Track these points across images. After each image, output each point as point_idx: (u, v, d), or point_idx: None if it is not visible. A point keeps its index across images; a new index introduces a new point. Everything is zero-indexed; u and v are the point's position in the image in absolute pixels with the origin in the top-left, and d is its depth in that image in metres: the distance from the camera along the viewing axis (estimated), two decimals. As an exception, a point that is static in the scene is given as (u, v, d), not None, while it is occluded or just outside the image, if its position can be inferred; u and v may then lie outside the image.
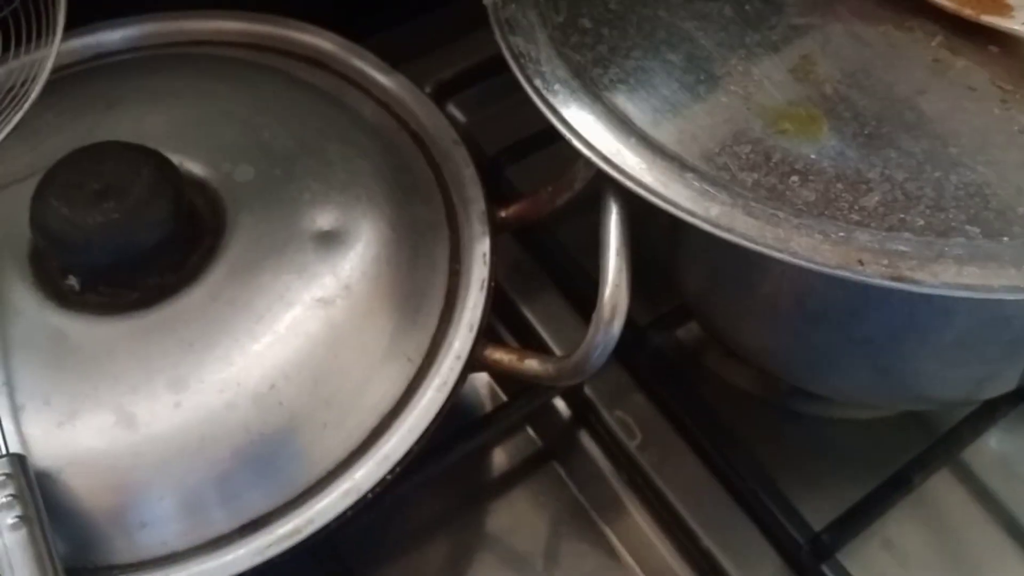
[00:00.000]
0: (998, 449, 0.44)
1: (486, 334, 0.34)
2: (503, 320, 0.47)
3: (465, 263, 0.36)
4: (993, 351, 0.38)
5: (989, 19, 0.35)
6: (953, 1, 0.36)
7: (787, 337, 0.38)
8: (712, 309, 0.40)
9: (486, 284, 0.35)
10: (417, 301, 0.35)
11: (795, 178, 0.31)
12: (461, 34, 0.54)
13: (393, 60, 0.43)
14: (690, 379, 0.46)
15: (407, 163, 0.39)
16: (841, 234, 0.29)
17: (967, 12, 0.35)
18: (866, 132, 0.32)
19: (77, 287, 0.32)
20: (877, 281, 0.28)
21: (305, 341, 0.31)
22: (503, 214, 0.37)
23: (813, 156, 0.32)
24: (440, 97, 0.47)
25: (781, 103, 0.33)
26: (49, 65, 0.36)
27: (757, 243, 0.28)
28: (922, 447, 0.42)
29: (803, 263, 0.28)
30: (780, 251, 0.28)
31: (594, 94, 0.33)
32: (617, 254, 0.30)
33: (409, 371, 0.33)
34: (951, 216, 0.30)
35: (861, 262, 0.28)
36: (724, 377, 0.47)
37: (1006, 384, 0.41)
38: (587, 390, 0.45)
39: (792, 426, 0.46)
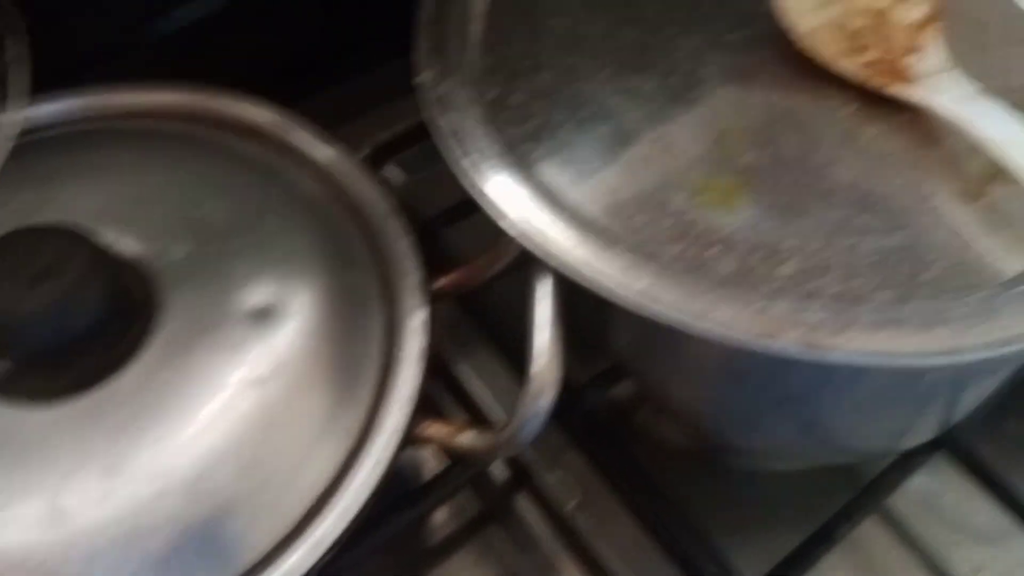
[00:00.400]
0: (920, 494, 0.46)
1: (422, 407, 0.34)
2: (441, 385, 0.47)
3: (400, 335, 0.36)
4: (909, 405, 0.39)
5: (894, 89, 0.37)
6: (861, 73, 0.38)
7: (714, 397, 0.40)
8: (642, 370, 0.41)
9: (421, 357, 0.35)
10: (353, 375, 0.35)
11: (715, 249, 0.32)
12: (400, 93, 0.55)
13: (332, 121, 0.44)
14: (623, 438, 0.47)
15: (342, 235, 0.39)
16: (758, 304, 0.30)
17: (874, 83, 0.37)
18: (782, 202, 0.34)
19: (8, 372, 0.32)
20: (792, 351, 0.29)
21: (238, 424, 0.31)
22: (439, 284, 0.38)
23: (732, 227, 0.33)
24: (378, 159, 0.47)
25: (702, 175, 0.34)
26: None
27: (678, 317, 0.29)
28: (849, 496, 0.44)
29: (722, 336, 0.29)
30: (700, 324, 0.29)
31: (525, 170, 0.34)
32: (545, 330, 0.31)
33: (344, 449, 0.33)
34: (863, 282, 0.31)
35: (776, 332, 0.29)
36: (656, 435, 0.48)
37: (925, 434, 0.43)
38: (525, 453, 0.45)
39: (725, 481, 0.47)
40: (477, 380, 0.46)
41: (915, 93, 0.37)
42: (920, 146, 0.36)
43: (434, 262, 0.38)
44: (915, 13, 0.39)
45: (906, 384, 0.37)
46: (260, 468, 0.31)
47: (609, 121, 0.36)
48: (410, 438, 0.34)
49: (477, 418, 0.45)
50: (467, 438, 0.33)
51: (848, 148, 0.36)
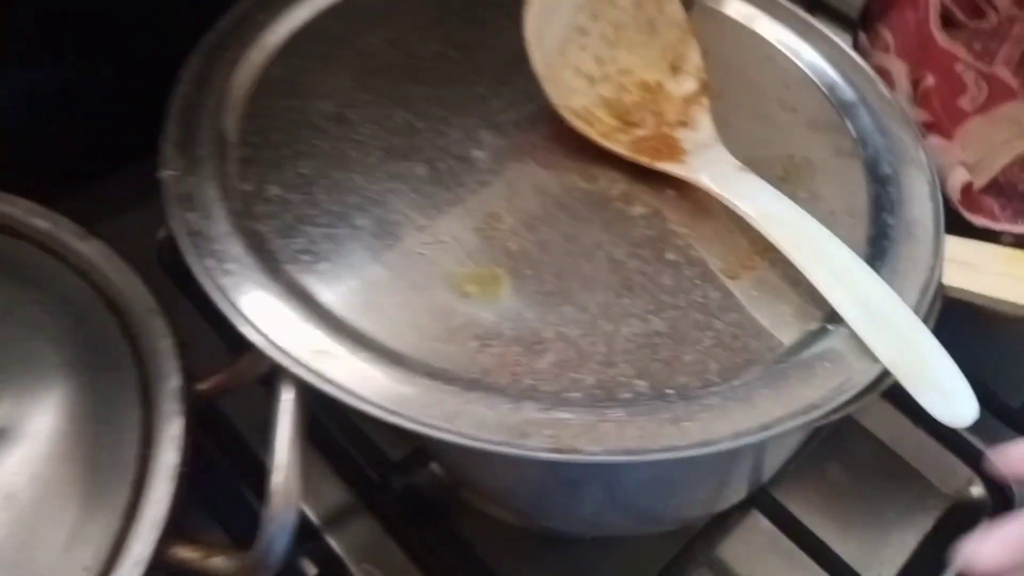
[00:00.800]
0: (740, 553, 0.46)
1: (177, 525, 0.32)
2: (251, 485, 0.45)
3: (155, 448, 0.33)
4: (710, 477, 0.39)
5: (662, 166, 0.37)
6: (630, 150, 0.38)
7: (508, 483, 0.38)
8: (441, 456, 0.40)
9: (175, 472, 0.32)
10: (99, 498, 0.32)
11: (474, 344, 0.31)
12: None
13: (94, 218, 0.41)
14: (445, 515, 0.46)
15: (99, 337, 0.36)
16: (508, 406, 0.29)
17: (643, 160, 0.37)
18: (545, 289, 0.33)
19: None
20: (541, 455, 0.28)
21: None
22: (203, 387, 0.35)
23: (493, 318, 0.32)
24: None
25: (466, 266, 0.33)
26: None
27: (422, 424, 0.28)
28: (671, 556, 0.43)
29: (467, 442, 0.28)
30: (447, 432, 0.28)
31: (273, 270, 0.32)
32: (287, 446, 0.29)
33: (90, 576, 0.30)
34: (620, 371, 0.31)
35: (525, 435, 0.28)
36: (481, 508, 0.47)
37: (737, 496, 0.43)
38: (334, 545, 0.43)
39: (550, 551, 0.46)
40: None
41: (683, 169, 0.37)
42: (688, 223, 0.36)
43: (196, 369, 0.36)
44: (688, 86, 0.40)
45: (705, 462, 0.36)
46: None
47: (371, 211, 0.35)
48: (159, 565, 0.31)
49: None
50: (219, 562, 0.31)
51: (615, 230, 0.35)
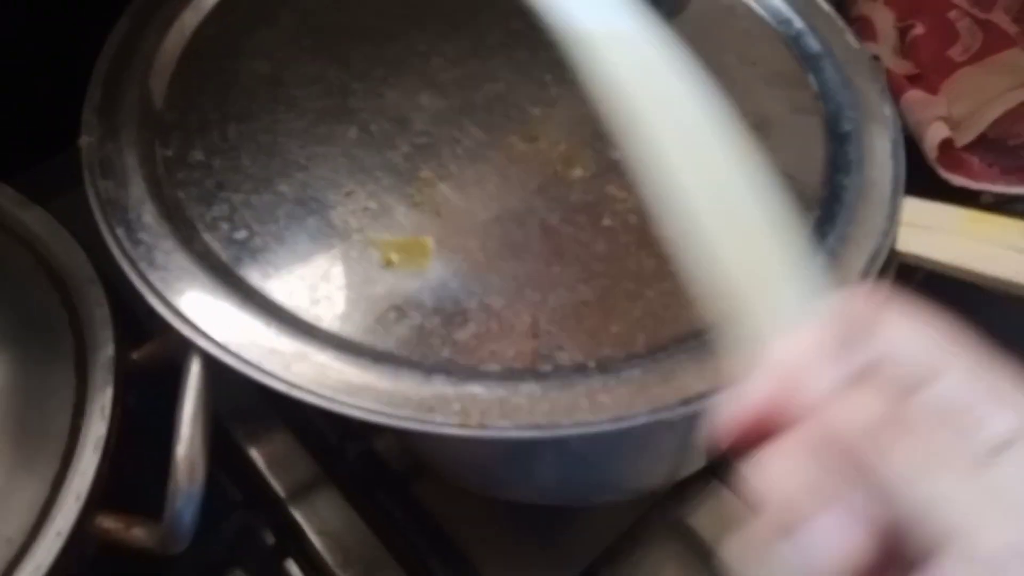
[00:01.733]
0: (701, 523, 0.45)
1: (104, 500, 0.32)
2: (226, 469, 0.45)
3: (86, 419, 0.33)
4: (664, 449, 0.38)
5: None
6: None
7: (457, 456, 0.38)
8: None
9: (102, 443, 0.32)
10: (27, 469, 0.32)
11: (392, 315, 0.30)
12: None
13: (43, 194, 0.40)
14: (407, 482, 0.45)
15: (38, 307, 0.36)
16: (418, 379, 0.28)
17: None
18: (472, 258, 0.32)
19: None
20: (446, 431, 0.27)
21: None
22: (135, 356, 0.35)
23: (415, 288, 0.31)
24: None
25: (391, 233, 0.32)
26: None
27: (324, 398, 0.27)
28: (633, 520, 0.43)
29: (370, 417, 0.27)
30: (348, 406, 0.27)
31: (188, 238, 0.31)
32: (192, 418, 0.28)
33: (7, 555, 0.30)
34: (543, 343, 0.30)
35: (432, 409, 0.27)
36: (442, 476, 0.46)
37: (695, 464, 0.42)
38: (295, 514, 0.43)
39: (509, 518, 0.45)
40: (266, 463, 0.44)
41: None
42: (630, 186, 0.34)
43: (133, 337, 0.35)
44: None
45: (638, 435, 0.35)
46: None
47: (296, 176, 0.33)
48: (83, 536, 0.31)
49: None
50: (140, 533, 0.31)
51: (551, 194, 0.34)
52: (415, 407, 0.27)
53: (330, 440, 0.44)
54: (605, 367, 0.29)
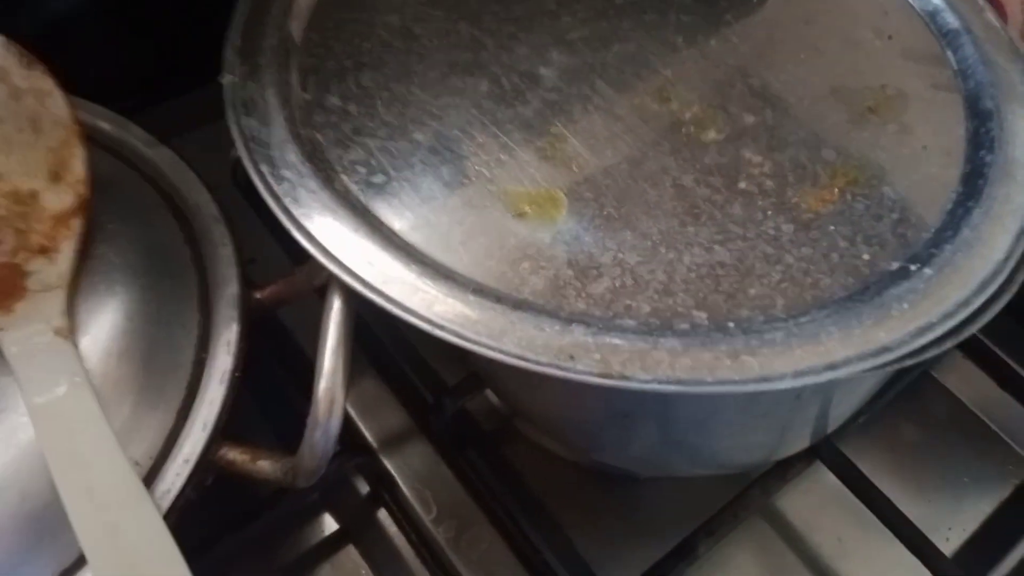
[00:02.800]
0: (801, 504, 0.44)
1: (227, 431, 0.32)
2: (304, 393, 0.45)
3: (211, 352, 0.34)
4: (773, 421, 0.37)
5: None
6: None
7: (564, 414, 0.38)
8: (495, 380, 0.39)
9: (228, 376, 0.33)
10: (154, 397, 0.32)
11: (526, 265, 0.30)
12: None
13: (185, 128, 0.41)
14: (498, 443, 0.45)
15: (163, 242, 0.37)
16: (557, 327, 0.28)
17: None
18: (605, 213, 0.32)
19: None
20: (587, 378, 0.27)
21: (18, 453, 0.29)
22: (259, 295, 0.36)
23: (548, 240, 0.31)
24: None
25: (523, 184, 0.32)
26: None
27: (468, 340, 0.27)
28: (725, 502, 0.42)
29: (512, 360, 0.27)
30: (491, 348, 0.27)
31: (329, 179, 0.31)
32: (334, 352, 0.28)
33: (139, 472, 0.31)
34: (678, 301, 0.29)
35: (572, 357, 0.27)
36: (533, 439, 0.46)
37: (799, 444, 0.41)
38: (388, 464, 0.43)
39: (600, 487, 0.45)
40: (355, 408, 0.44)
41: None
42: (766, 152, 0.34)
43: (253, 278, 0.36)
44: (65, 200, 0.33)
45: (764, 402, 0.35)
46: (38, 501, 0.29)
47: (430, 126, 0.34)
48: (208, 465, 0.31)
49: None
50: (266, 465, 0.31)
51: (684, 155, 0.33)
52: (556, 354, 0.27)
53: (425, 396, 0.45)
54: (745, 328, 0.28)
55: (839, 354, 0.28)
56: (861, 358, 0.27)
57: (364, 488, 0.44)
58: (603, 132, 0.34)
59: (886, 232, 0.31)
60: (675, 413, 0.34)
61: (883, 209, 0.32)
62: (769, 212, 0.32)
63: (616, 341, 0.28)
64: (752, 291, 0.30)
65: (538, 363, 0.27)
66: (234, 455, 0.32)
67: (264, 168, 0.31)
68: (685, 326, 0.29)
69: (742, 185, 0.33)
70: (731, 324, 0.29)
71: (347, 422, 0.45)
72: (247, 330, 0.34)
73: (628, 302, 0.29)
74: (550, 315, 0.28)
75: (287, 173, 0.31)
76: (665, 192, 0.32)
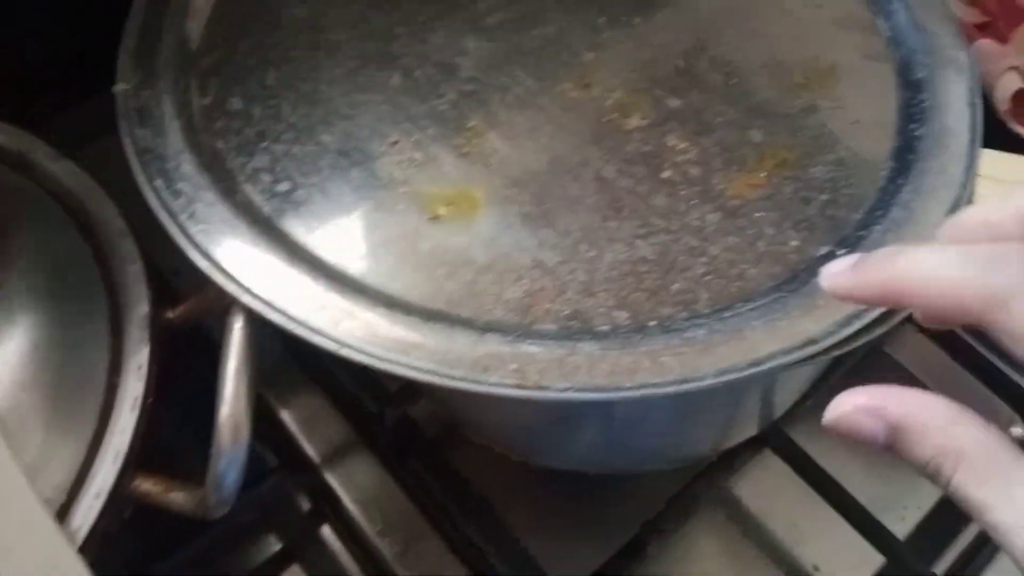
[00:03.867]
0: (753, 491, 0.43)
1: (141, 462, 0.31)
2: (259, 432, 0.44)
3: (123, 377, 0.32)
4: (718, 414, 0.37)
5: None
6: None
7: (499, 420, 0.36)
8: (429, 391, 0.38)
9: (139, 403, 0.31)
10: (65, 427, 0.31)
11: (441, 271, 0.29)
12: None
13: (75, 142, 0.39)
14: (443, 449, 0.44)
15: (70, 261, 0.35)
16: (472, 338, 0.27)
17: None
18: (524, 211, 0.30)
19: None
20: (502, 391, 0.25)
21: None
22: (171, 315, 0.34)
23: (465, 244, 0.29)
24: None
25: (438, 185, 0.31)
26: None
27: (375, 357, 0.26)
28: (676, 490, 0.41)
29: (423, 377, 0.26)
30: (399, 365, 0.26)
31: (229, 190, 0.30)
32: (235, 377, 0.27)
33: (52, 507, 0.29)
34: (599, 301, 0.28)
35: (486, 369, 0.26)
36: (479, 442, 0.45)
37: (746, 432, 0.40)
38: (330, 479, 0.42)
39: (550, 487, 0.44)
40: (299, 426, 0.43)
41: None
42: (692, 137, 0.32)
43: (166, 297, 0.34)
44: None
45: (698, 399, 0.34)
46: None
47: (338, 126, 0.32)
48: (121, 498, 0.30)
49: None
50: (179, 497, 0.30)
51: (607, 145, 0.32)
52: (469, 367, 0.26)
53: (367, 406, 0.43)
54: (667, 327, 0.27)
55: (763, 349, 0.26)
56: (786, 352, 0.26)
57: (306, 505, 0.43)
58: (522, 124, 0.32)
59: (815, 215, 0.30)
60: (612, 415, 0.33)
61: (812, 191, 0.31)
62: (694, 202, 0.30)
63: (533, 349, 0.26)
64: (675, 287, 0.29)
65: (450, 378, 0.26)
66: (147, 486, 0.30)
67: (158, 182, 0.29)
68: (606, 327, 0.27)
69: (666, 174, 0.31)
70: (652, 323, 0.27)
71: (288, 439, 0.44)
72: (158, 353, 0.33)
73: (547, 305, 0.28)
74: (465, 325, 0.27)
75: (183, 186, 0.29)
76: (587, 186, 0.31)
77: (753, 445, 0.41)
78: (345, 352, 0.26)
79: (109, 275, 0.35)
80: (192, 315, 0.34)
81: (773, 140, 0.32)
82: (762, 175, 0.31)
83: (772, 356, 0.26)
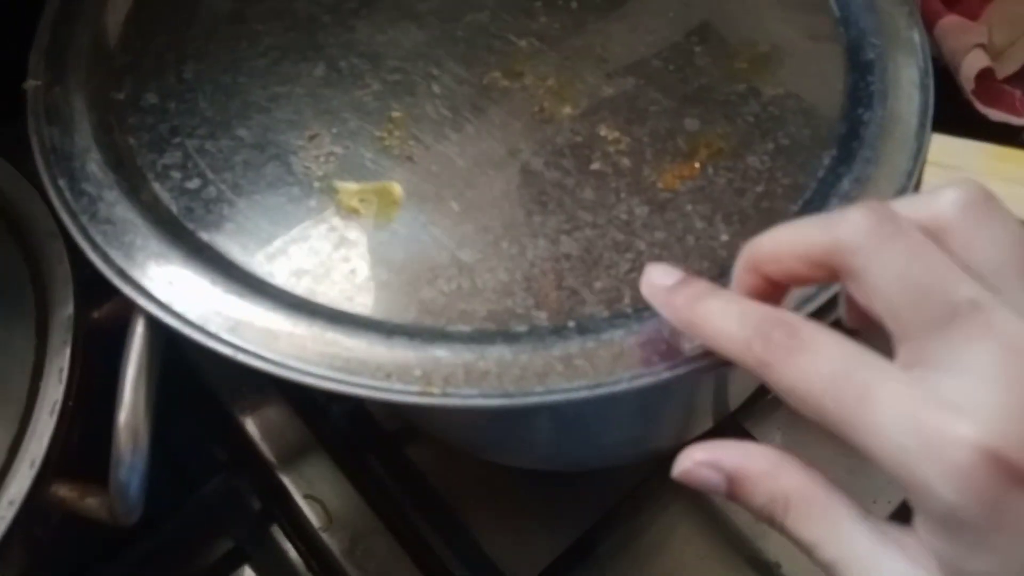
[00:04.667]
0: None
1: (62, 468, 0.30)
2: (209, 430, 0.43)
3: (44, 381, 0.31)
4: (670, 411, 0.35)
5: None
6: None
7: (451, 421, 0.35)
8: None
9: (58, 407, 0.30)
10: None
11: (353, 270, 0.27)
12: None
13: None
14: (400, 444, 0.43)
15: (-1, 263, 0.34)
16: (378, 342, 0.25)
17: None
18: (446, 206, 0.29)
19: None
20: (405, 398, 0.24)
21: None
22: (97, 315, 0.33)
23: (380, 242, 0.28)
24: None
25: (356, 179, 0.30)
26: None
27: (271, 363, 0.25)
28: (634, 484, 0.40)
29: (321, 384, 0.24)
30: (296, 372, 0.25)
31: (134, 188, 0.29)
32: (134, 383, 0.26)
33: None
34: (518, 301, 0.27)
35: (389, 376, 0.25)
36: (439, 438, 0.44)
37: (702, 426, 0.39)
38: (282, 477, 0.41)
39: (509, 482, 0.43)
40: (259, 431, 0.42)
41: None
42: (624, 127, 0.31)
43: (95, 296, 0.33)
44: None
45: (641, 399, 0.32)
46: None
47: (255, 120, 0.31)
48: (37, 505, 0.29)
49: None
50: (93, 503, 0.29)
51: (535, 136, 0.31)
52: (371, 373, 0.25)
53: (318, 400, 0.42)
54: (585, 328, 0.26)
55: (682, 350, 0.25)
56: (704, 353, 0.25)
57: (256, 504, 0.42)
58: (448, 115, 0.31)
59: (749, 208, 0.29)
60: (557, 415, 0.32)
61: (747, 182, 0.29)
62: (623, 194, 0.29)
63: (440, 353, 0.25)
64: (598, 284, 0.27)
65: (350, 384, 0.25)
66: (64, 492, 0.30)
67: (62, 182, 0.28)
68: (522, 329, 0.26)
69: (596, 166, 0.30)
70: (571, 324, 0.26)
71: (238, 437, 0.44)
72: (81, 355, 0.32)
73: (463, 307, 0.27)
74: (373, 328, 0.26)
75: (87, 186, 0.28)
76: (512, 179, 0.30)
77: (711, 439, 0.40)
78: (240, 358, 0.25)
79: (39, 276, 0.34)
80: (117, 314, 0.33)
81: (709, 128, 0.31)
82: (695, 165, 0.30)
83: (689, 359, 0.25)
